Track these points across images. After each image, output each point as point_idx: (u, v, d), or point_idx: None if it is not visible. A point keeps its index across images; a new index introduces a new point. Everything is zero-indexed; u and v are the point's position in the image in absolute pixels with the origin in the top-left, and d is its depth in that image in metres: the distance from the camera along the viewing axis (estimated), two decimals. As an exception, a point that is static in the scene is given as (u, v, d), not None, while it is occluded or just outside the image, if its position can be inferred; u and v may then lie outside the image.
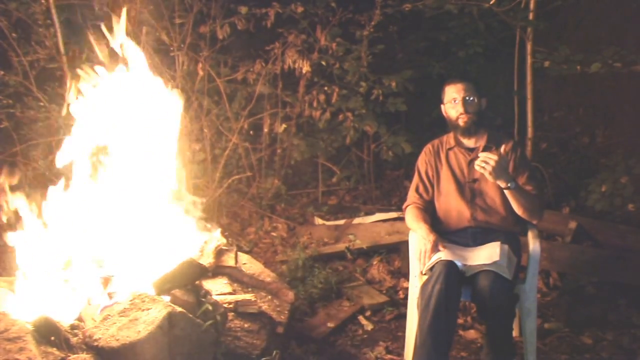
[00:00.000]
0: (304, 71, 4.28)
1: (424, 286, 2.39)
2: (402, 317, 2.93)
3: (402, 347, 2.76)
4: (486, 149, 2.65)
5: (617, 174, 3.70)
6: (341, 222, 4.22)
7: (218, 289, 2.71)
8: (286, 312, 2.79)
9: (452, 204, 2.67)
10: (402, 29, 4.73)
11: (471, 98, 2.62)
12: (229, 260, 2.94)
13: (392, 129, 4.52)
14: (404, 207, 2.79)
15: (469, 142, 2.71)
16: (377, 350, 2.83)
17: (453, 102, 2.64)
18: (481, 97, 2.66)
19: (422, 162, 2.78)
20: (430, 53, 4.98)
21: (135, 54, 2.76)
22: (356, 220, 4.17)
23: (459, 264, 2.40)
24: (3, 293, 2.42)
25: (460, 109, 2.61)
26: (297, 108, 4.52)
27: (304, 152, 4.59)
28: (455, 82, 2.66)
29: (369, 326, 3.08)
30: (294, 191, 4.86)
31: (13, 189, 2.54)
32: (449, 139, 2.76)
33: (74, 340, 2.18)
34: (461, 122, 2.63)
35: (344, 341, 2.96)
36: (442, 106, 2.73)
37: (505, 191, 2.49)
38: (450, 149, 2.74)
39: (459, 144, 2.72)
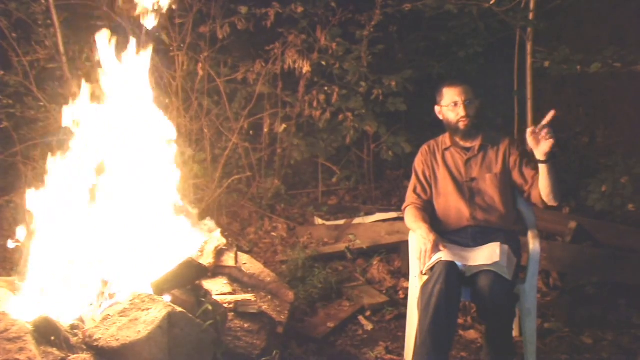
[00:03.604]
0: (304, 71, 4.28)
1: (424, 286, 2.39)
2: (402, 317, 2.93)
3: (402, 347, 2.76)
4: (482, 148, 2.68)
5: (617, 174, 3.70)
6: (341, 222, 4.22)
7: (218, 289, 2.71)
8: (286, 312, 2.79)
9: (451, 204, 2.67)
10: (402, 29, 4.74)
11: (471, 101, 2.63)
12: (229, 260, 2.94)
13: (392, 129, 4.52)
14: (403, 208, 2.79)
15: (465, 142, 2.72)
16: (377, 350, 2.83)
17: (453, 105, 2.63)
18: (479, 99, 2.67)
19: (419, 162, 2.78)
20: (430, 53, 4.98)
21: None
22: (356, 220, 4.17)
23: (459, 264, 2.40)
24: (3, 293, 2.43)
25: (462, 112, 2.61)
26: (297, 108, 4.52)
27: (304, 152, 4.60)
28: (454, 84, 2.66)
29: (369, 326, 3.07)
30: (294, 191, 4.86)
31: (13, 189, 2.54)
32: (445, 139, 2.77)
33: (74, 340, 2.18)
34: (462, 126, 2.64)
35: (344, 341, 2.95)
36: (437, 107, 2.72)
37: (543, 166, 2.45)
38: (446, 149, 2.74)
39: (455, 144, 2.73)
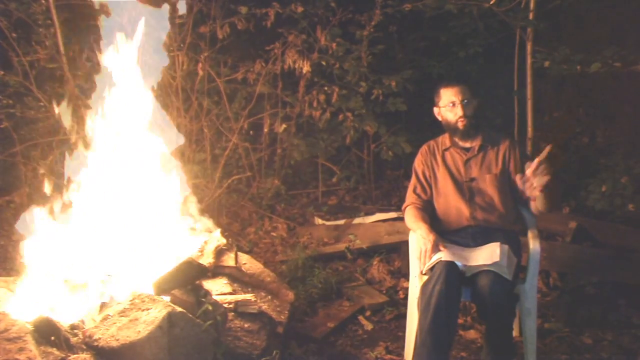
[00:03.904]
0: (304, 71, 4.28)
1: (424, 286, 2.39)
2: (402, 317, 2.93)
3: (402, 347, 2.76)
4: (482, 148, 2.68)
5: (617, 174, 3.70)
6: (341, 222, 4.22)
7: (218, 289, 2.71)
8: (286, 312, 2.79)
9: (451, 203, 2.67)
10: (402, 29, 4.74)
11: (469, 101, 2.63)
12: (229, 260, 2.94)
13: (392, 129, 4.52)
14: (403, 208, 2.79)
15: (465, 143, 2.72)
16: (377, 350, 2.83)
17: (451, 105, 2.64)
18: (476, 98, 2.67)
19: (419, 162, 2.79)
20: (430, 53, 4.99)
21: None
22: (356, 220, 4.17)
23: (459, 264, 2.40)
24: (3, 293, 2.43)
25: (460, 112, 2.62)
26: (297, 108, 4.52)
27: (304, 152, 4.60)
28: (451, 85, 2.66)
29: (369, 326, 3.07)
30: (294, 191, 4.86)
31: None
32: (444, 139, 2.77)
33: (74, 340, 2.18)
34: (460, 126, 2.64)
35: (344, 341, 2.95)
36: (435, 109, 2.72)
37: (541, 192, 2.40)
38: (446, 149, 2.74)
39: (454, 144, 2.73)
